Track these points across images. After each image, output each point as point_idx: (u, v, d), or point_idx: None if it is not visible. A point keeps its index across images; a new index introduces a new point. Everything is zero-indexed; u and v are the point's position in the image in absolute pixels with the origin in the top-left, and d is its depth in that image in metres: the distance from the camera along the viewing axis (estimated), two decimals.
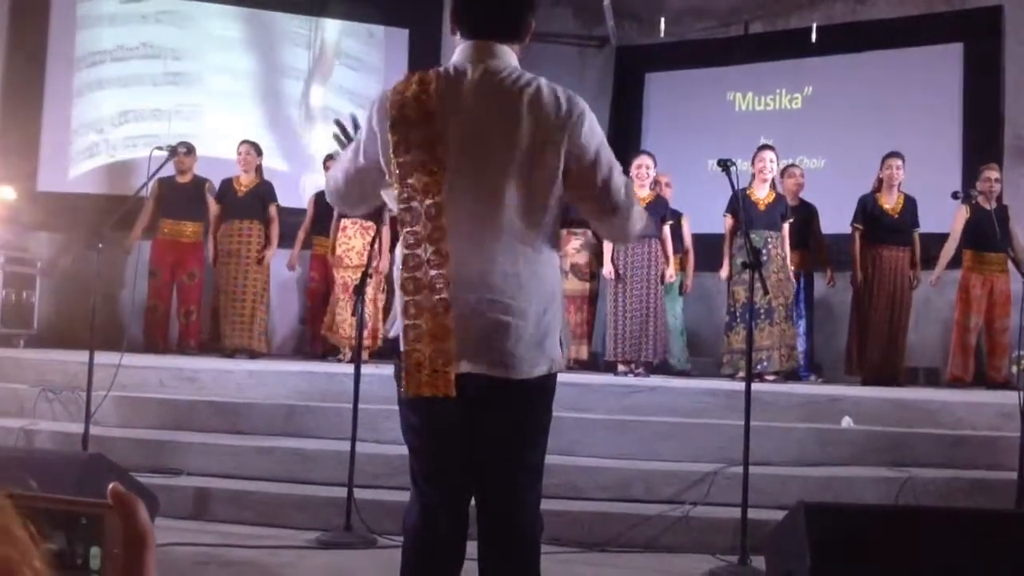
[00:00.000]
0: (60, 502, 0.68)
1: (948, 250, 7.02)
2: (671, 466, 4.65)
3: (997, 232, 5.92)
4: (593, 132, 2.13)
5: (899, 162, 6.89)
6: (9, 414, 5.33)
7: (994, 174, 6.94)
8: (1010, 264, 6.35)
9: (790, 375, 6.87)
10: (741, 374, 6.60)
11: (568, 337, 7.03)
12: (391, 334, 2.21)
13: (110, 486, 0.67)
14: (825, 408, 5.19)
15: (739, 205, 5.77)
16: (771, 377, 6.56)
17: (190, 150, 7.30)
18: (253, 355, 7.26)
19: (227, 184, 7.55)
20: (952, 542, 2.96)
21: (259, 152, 7.62)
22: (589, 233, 7.17)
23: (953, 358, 7.04)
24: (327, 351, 7.47)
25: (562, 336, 2.18)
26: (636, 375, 6.68)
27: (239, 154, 7.52)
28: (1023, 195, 7.56)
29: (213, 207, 7.57)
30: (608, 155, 2.16)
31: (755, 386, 4.02)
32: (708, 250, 7.51)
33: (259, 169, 7.60)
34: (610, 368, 7.02)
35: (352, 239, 7.07)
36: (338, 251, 7.12)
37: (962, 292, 6.99)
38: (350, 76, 9.11)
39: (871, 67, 8.68)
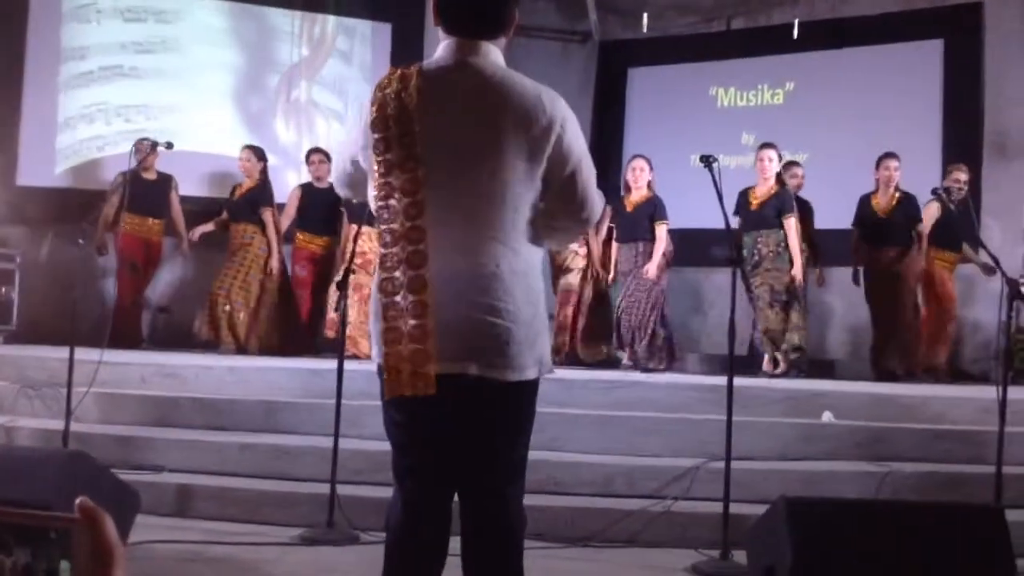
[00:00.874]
0: (27, 516, 0.67)
1: (922, 247, 7.09)
2: (653, 461, 4.66)
3: (961, 230, 5.99)
4: (576, 137, 2.13)
5: (895, 163, 6.93)
6: None
7: (963, 176, 6.99)
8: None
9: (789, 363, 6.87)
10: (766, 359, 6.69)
11: (550, 337, 7.05)
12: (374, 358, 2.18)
13: (77, 501, 0.67)
14: (806, 403, 5.22)
15: (739, 205, 5.84)
16: (766, 365, 6.67)
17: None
18: (240, 352, 7.23)
19: (232, 190, 7.62)
20: (932, 536, 2.99)
21: (260, 157, 7.58)
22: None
23: (922, 350, 7.12)
24: (317, 347, 7.45)
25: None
26: (624, 368, 6.71)
27: (240, 160, 7.54)
28: (1003, 191, 7.62)
29: (176, 204, 7.59)
30: (589, 163, 2.17)
31: (737, 381, 4.04)
32: (691, 245, 7.53)
33: (264, 172, 7.57)
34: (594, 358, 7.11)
35: (350, 242, 7.11)
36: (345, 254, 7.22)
37: (928, 289, 7.05)
38: (336, 70, 9.07)
39: (852, 63, 8.72)
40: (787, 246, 6.67)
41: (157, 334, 7.86)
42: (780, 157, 6.86)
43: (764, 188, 6.77)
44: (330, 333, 7.15)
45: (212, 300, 7.35)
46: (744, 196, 6.79)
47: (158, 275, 7.92)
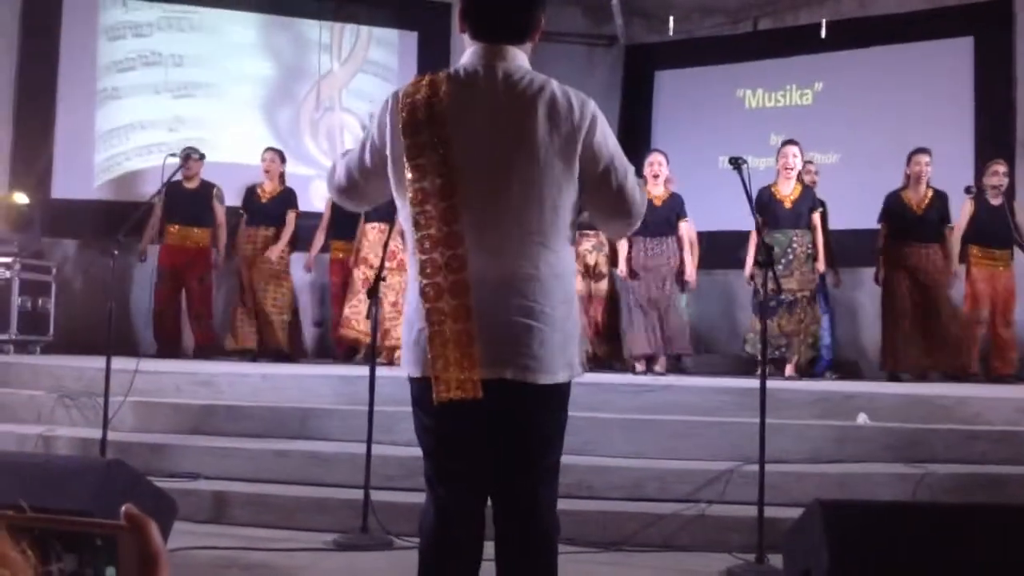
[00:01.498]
0: (75, 524, 0.69)
1: (956, 244, 7.01)
2: (686, 465, 4.65)
3: (1007, 227, 5.87)
4: (606, 136, 2.14)
5: (927, 158, 6.86)
6: (27, 421, 5.37)
7: (1001, 168, 6.92)
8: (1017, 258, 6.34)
9: (810, 366, 6.85)
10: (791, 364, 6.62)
11: (585, 339, 7.05)
12: (404, 363, 2.19)
13: (123, 508, 0.68)
14: (840, 405, 5.18)
15: (763, 203, 5.78)
16: (789, 370, 6.56)
17: (200, 156, 7.34)
18: (277, 358, 7.29)
19: (251, 191, 7.63)
20: (970, 538, 2.95)
21: (283, 159, 7.67)
22: (601, 234, 7.17)
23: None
24: (348, 354, 7.51)
25: (580, 340, 2.19)
26: (655, 374, 6.67)
27: (263, 161, 7.58)
28: None
29: (220, 213, 7.63)
30: (622, 159, 2.17)
31: (770, 383, 4.01)
32: (720, 247, 7.51)
33: (283, 176, 7.64)
34: (624, 366, 7.04)
35: (375, 244, 7.18)
36: (362, 252, 7.24)
37: (969, 287, 6.97)
38: (363, 80, 9.13)
39: (881, 62, 8.66)
40: (814, 246, 6.70)
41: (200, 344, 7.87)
42: (803, 154, 6.84)
43: (790, 185, 6.73)
44: (349, 332, 7.24)
45: (271, 313, 7.38)
46: (769, 194, 6.69)
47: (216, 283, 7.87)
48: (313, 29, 9.04)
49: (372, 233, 7.24)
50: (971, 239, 6.96)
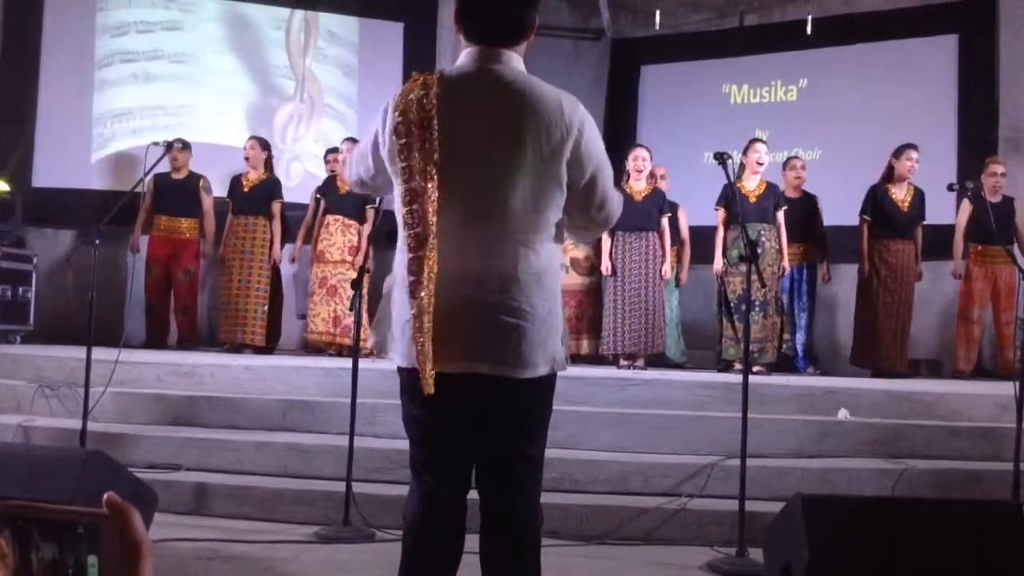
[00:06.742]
0: (55, 512, 0.68)
1: (958, 243, 7.03)
2: (669, 459, 4.66)
3: (994, 225, 5.86)
4: (595, 142, 2.16)
5: (917, 154, 6.87)
6: (6, 410, 5.33)
7: (1000, 168, 6.96)
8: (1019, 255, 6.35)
9: (783, 366, 6.90)
10: (738, 366, 6.62)
11: (567, 335, 7.00)
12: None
13: (105, 496, 0.67)
14: (822, 400, 5.20)
15: (732, 198, 5.79)
16: (757, 368, 6.52)
17: (185, 145, 7.27)
18: (257, 350, 7.26)
19: (236, 180, 7.57)
20: (949, 533, 2.97)
21: (265, 147, 7.61)
22: None
23: (956, 351, 7.04)
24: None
25: (562, 336, 2.20)
26: (636, 368, 6.68)
27: (245, 149, 7.53)
28: (1018, 186, 7.56)
29: (207, 203, 7.57)
30: (607, 167, 2.21)
31: (752, 379, 4.03)
32: (705, 242, 7.52)
33: (267, 164, 7.60)
34: (608, 361, 7.04)
35: (334, 235, 7.13)
36: (320, 246, 7.16)
37: (964, 285, 6.99)
38: (349, 70, 9.08)
39: (866, 59, 8.69)
40: (779, 242, 6.77)
41: (185, 336, 7.82)
42: (767, 151, 6.91)
43: (756, 181, 6.77)
44: (312, 336, 7.20)
45: (252, 303, 7.33)
46: (740, 190, 6.61)
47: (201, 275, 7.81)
48: (299, 17, 8.99)
49: (334, 226, 7.17)
50: (969, 237, 6.98)
